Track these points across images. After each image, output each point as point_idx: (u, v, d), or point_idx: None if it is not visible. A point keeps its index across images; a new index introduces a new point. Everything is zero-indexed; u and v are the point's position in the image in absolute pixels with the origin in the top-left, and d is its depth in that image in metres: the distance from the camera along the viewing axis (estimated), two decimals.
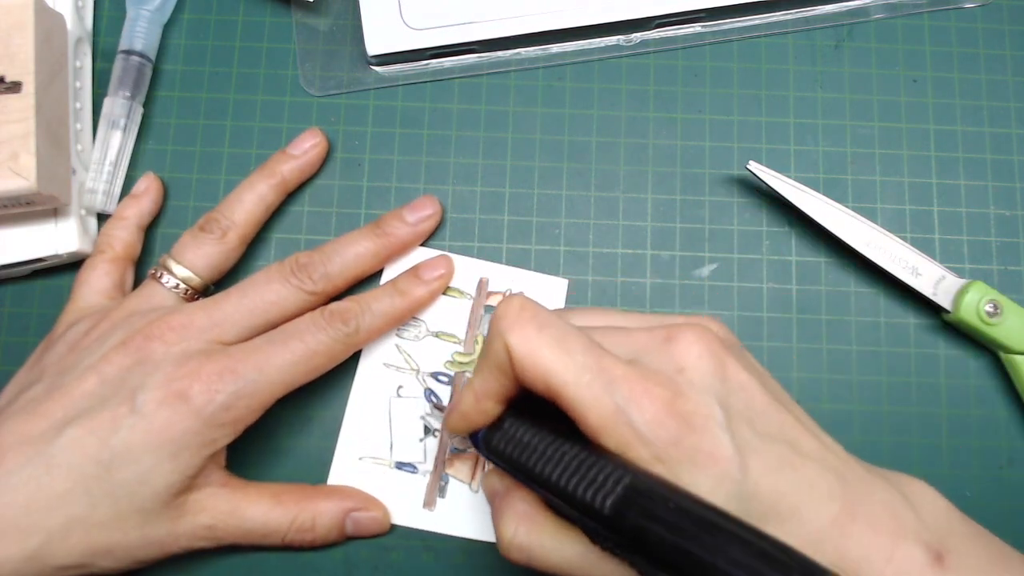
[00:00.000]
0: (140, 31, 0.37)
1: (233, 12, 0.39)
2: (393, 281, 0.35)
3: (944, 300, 0.35)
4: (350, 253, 0.34)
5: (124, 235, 0.35)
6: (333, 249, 0.34)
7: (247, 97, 0.38)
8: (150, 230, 0.37)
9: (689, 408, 0.23)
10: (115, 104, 0.36)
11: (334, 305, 0.32)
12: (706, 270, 0.37)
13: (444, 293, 0.36)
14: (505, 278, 0.36)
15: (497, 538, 0.26)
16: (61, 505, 0.28)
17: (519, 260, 0.37)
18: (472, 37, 0.38)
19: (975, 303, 0.35)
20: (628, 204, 0.38)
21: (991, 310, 0.35)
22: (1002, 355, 0.35)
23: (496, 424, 0.27)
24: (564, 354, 0.23)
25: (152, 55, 0.38)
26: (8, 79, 0.33)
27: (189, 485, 0.30)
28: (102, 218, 0.37)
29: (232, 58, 0.39)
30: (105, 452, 0.28)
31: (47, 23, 0.35)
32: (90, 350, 0.31)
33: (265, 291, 0.32)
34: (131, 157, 0.37)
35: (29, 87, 0.33)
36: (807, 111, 0.38)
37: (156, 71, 0.38)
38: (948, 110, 0.39)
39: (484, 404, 0.26)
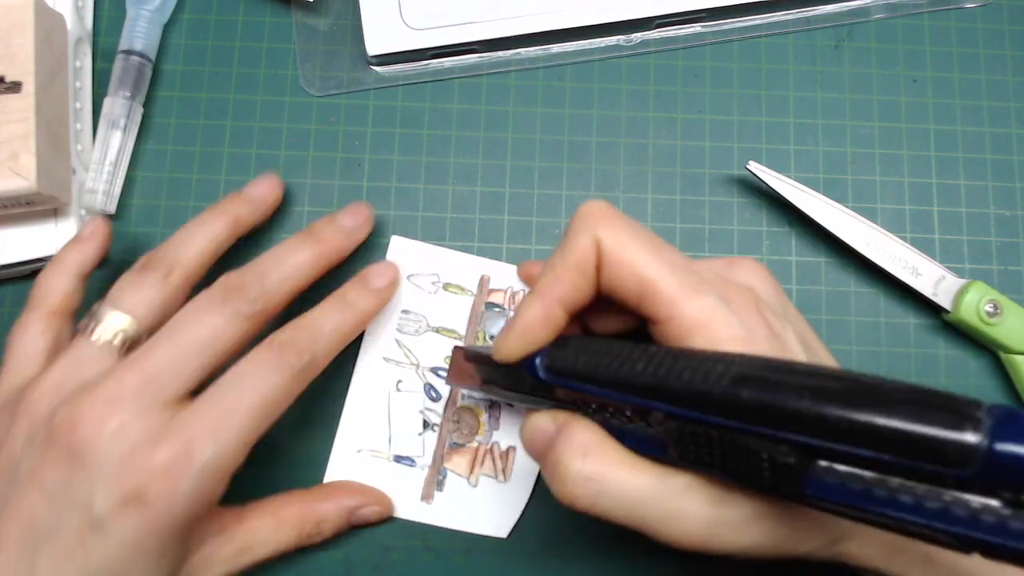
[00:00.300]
0: (140, 31, 0.37)
1: (233, 12, 0.39)
2: (340, 293, 0.31)
3: (944, 300, 0.35)
4: (287, 264, 0.30)
5: (63, 284, 0.31)
6: (268, 262, 0.30)
7: (247, 97, 0.38)
8: (146, 235, 0.37)
9: (772, 317, 0.24)
10: (115, 104, 0.36)
11: (281, 337, 0.28)
12: None
13: (445, 289, 0.36)
14: (506, 276, 0.36)
15: (557, 477, 0.23)
16: None
17: (519, 260, 0.37)
18: (472, 37, 0.38)
19: (975, 303, 0.35)
20: (628, 204, 0.38)
21: (991, 310, 0.35)
22: (1002, 355, 0.35)
23: (558, 342, 0.24)
24: (657, 254, 0.23)
25: (152, 55, 0.38)
26: (8, 79, 0.33)
27: (187, 555, 0.28)
28: None
29: (232, 58, 0.39)
30: (89, 569, 0.25)
31: (47, 23, 0.35)
32: (23, 450, 0.27)
33: (198, 328, 0.28)
34: (131, 157, 0.37)
35: (29, 87, 0.33)
36: (807, 111, 0.38)
37: (156, 71, 0.38)
38: (948, 110, 0.39)
39: (554, 312, 0.24)
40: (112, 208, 0.36)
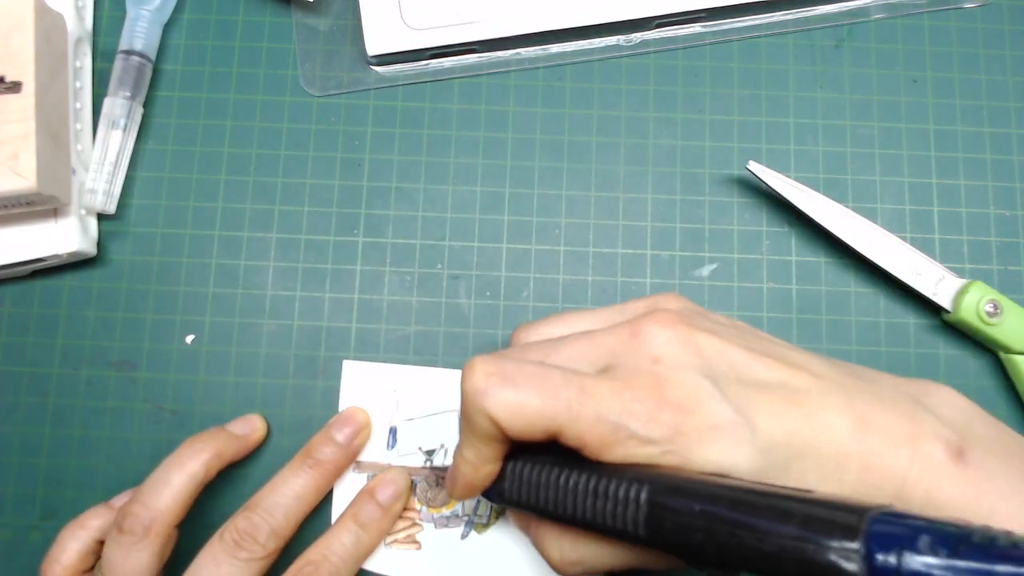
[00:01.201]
0: (140, 31, 0.37)
1: (233, 12, 0.39)
2: (352, 513, 0.32)
3: (944, 300, 0.35)
4: (289, 496, 0.31)
5: (76, 547, 0.32)
6: (271, 500, 0.31)
7: (247, 97, 0.38)
8: (151, 233, 0.37)
9: (678, 393, 0.23)
10: (115, 104, 0.36)
11: (300, 567, 0.30)
12: (706, 270, 0.37)
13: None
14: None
15: (547, 561, 0.26)
16: None
17: (519, 260, 0.37)
18: (472, 37, 0.38)
19: (975, 303, 0.35)
20: (628, 204, 0.38)
21: (991, 310, 0.35)
22: (1002, 355, 0.35)
23: (500, 476, 0.27)
24: (549, 397, 0.23)
25: (152, 55, 0.38)
26: (8, 79, 0.33)
27: None
28: (102, 218, 0.37)
29: (232, 58, 0.39)
30: None
31: (47, 23, 0.35)
32: None
33: None
34: (131, 157, 0.37)
35: (29, 87, 0.33)
36: (807, 111, 0.38)
37: (156, 71, 0.38)
38: (948, 110, 0.39)
39: (484, 470, 0.26)
40: (112, 208, 0.36)
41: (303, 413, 0.36)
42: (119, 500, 0.33)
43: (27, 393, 0.36)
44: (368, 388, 0.35)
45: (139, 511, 0.30)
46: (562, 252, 0.37)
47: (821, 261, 0.37)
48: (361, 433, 0.34)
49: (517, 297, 0.37)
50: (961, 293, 0.35)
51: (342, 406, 0.35)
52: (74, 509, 0.35)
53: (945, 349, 0.36)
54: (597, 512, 0.23)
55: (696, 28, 0.39)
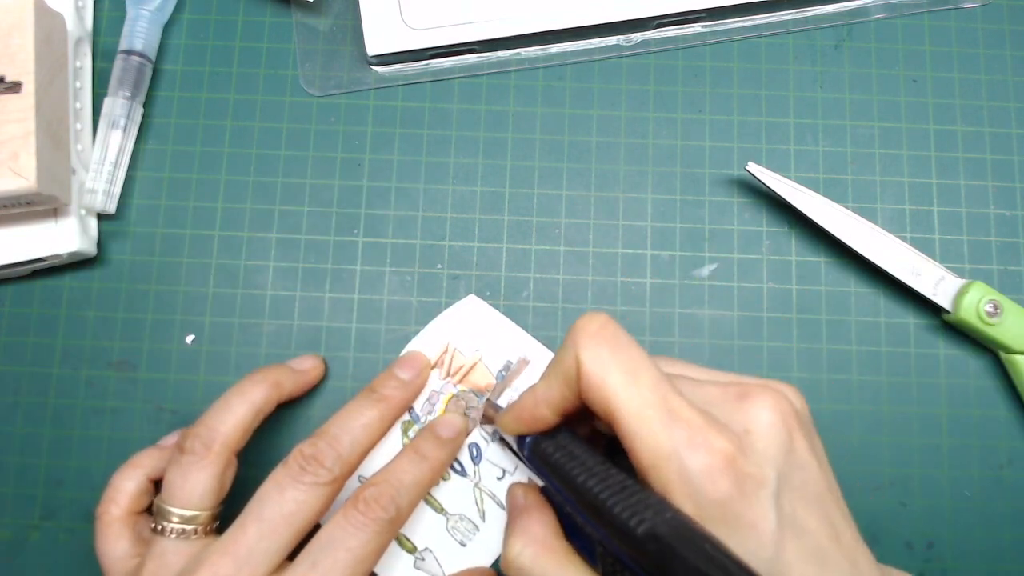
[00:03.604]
0: (140, 31, 0.37)
1: (233, 12, 0.39)
2: (413, 446, 0.32)
3: (944, 300, 0.35)
4: (356, 426, 0.32)
5: (130, 486, 0.32)
6: (338, 427, 0.31)
7: (247, 97, 0.38)
8: (151, 233, 0.37)
9: (747, 471, 0.22)
10: (115, 104, 0.36)
11: (366, 493, 0.30)
12: (706, 270, 0.37)
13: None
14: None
15: (503, 554, 0.26)
16: None
17: (519, 260, 0.37)
18: (472, 37, 0.38)
19: (975, 303, 0.35)
20: (628, 204, 0.38)
21: (991, 310, 0.35)
22: (1002, 355, 0.35)
23: (550, 433, 0.26)
24: (632, 383, 0.23)
25: (152, 55, 0.38)
26: (8, 79, 0.33)
27: None
28: (102, 218, 0.37)
29: (232, 58, 0.39)
30: None
31: (47, 23, 0.35)
32: None
33: (282, 504, 0.29)
34: (131, 157, 0.37)
35: (29, 87, 0.33)
36: (807, 111, 0.38)
37: (156, 71, 0.38)
38: (948, 110, 0.39)
39: (541, 411, 0.26)
40: (112, 208, 0.36)
41: (304, 413, 0.36)
42: (168, 440, 0.34)
43: (27, 393, 0.36)
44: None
45: (201, 432, 0.30)
46: (562, 252, 0.37)
47: (821, 261, 0.37)
48: (422, 374, 0.35)
49: (517, 297, 0.37)
50: (961, 293, 0.35)
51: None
52: (74, 509, 0.35)
53: (945, 349, 0.36)
54: (611, 499, 0.22)
55: (696, 28, 0.39)
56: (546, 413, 0.26)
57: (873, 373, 0.36)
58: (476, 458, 0.34)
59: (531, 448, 0.27)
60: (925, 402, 0.36)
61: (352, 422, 0.32)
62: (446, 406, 0.35)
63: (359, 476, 0.34)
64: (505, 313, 0.36)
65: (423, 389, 0.35)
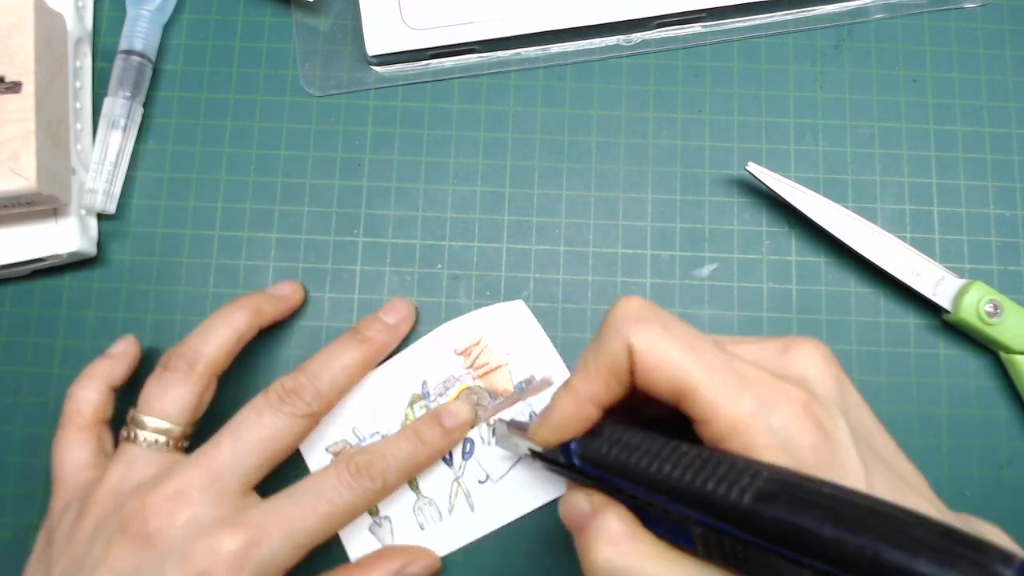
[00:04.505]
0: (140, 31, 0.37)
1: (233, 12, 0.39)
2: (414, 427, 0.33)
3: (944, 300, 0.35)
4: (336, 366, 0.33)
5: (93, 397, 0.32)
6: (319, 365, 0.32)
7: (247, 97, 0.38)
8: (151, 233, 0.37)
9: (823, 415, 0.22)
10: (115, 104, 0.36)
11: (359, 459, 0.31)
12: (706, 270, 0.37)
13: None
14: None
15: (587, 562, 0.23)
16: None
17: (519, 260, 0.37)
18: (472, 37, 0.38)
19: (975, 303, 0.35)
20: (628, 204, 0.38)
21: (991, 310, 0.35)
22: (1002, 355, 0.35)
23: (594, 431, 0.25)
24: (694, 354, 0.22)
25: (152, 55, 0.38)
26: (8, 79, 0.33)
27: None
28: (102, 218, 0.37)
29: (232, 58, 0.39)
30: None
31: (47, 23, 0.35)
32: (90, 543, 0.29)
33: (258, 427, 0.30)
34: (131, 157, 0.37)
35: (29, 87, 0.33)
36: (807, 111, 0.38)
37: (156, 71, 0.38)
38: (948, 110, 0.39)
39: (586, 410, 0.24)
40: (112, 208, 0.36)
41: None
42: (116, 349, 0.34)
43: (27, 393, 0.36)
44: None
45: (186, 352, 0.31)
46: (562, 252, 0.37)
47: (821, 261, 0.37)
48: (406, 320, 0.35)
49: (517, 297, 0.37)
50: (961, 293, 0.35)
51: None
52: None
53: (945, 349, 0.36)
54: (697, 478, 0.21)
55: (696, 28, 0.39)
56: (592, 411, 0.24)
57: (873, 373, 0.36)
58: (467, 454, 0.34)
59: (581, 455, 0.25)
60: (925, 402, 0.36)
61: (333, 362, 0.33)
62: (459, 394, 0.35)
63: (353, 428, 0.34)
64: None
65: (406, 335, 0.35)
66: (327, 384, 0.32)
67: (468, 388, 0.35)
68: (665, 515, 0.23)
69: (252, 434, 0.30)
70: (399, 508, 0.34)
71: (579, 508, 0.24)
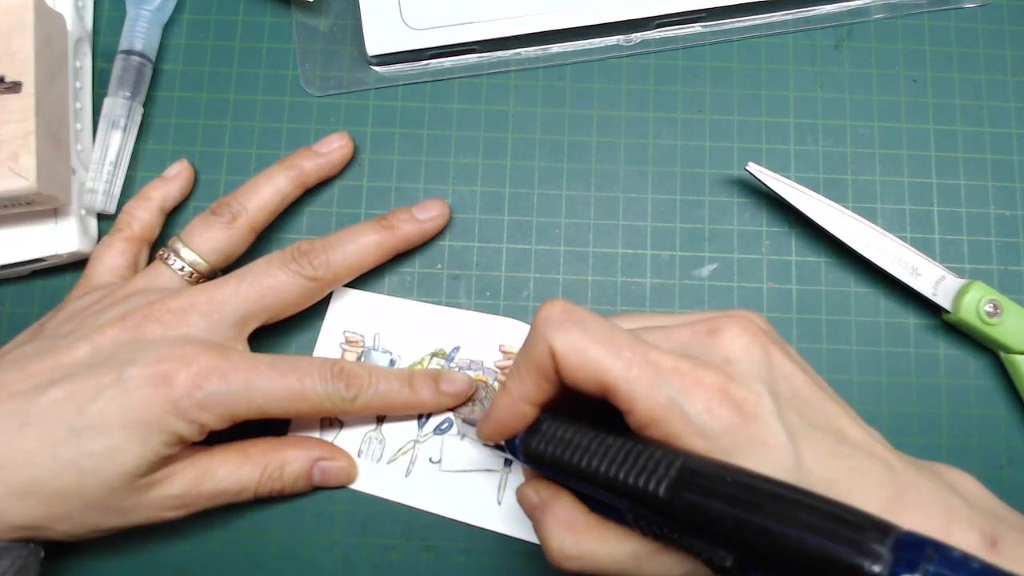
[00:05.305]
0: (140, 31, 0.37)
1: (233, 12, 0.39)
2: (411, 373, 0.34)
3: (944, 300, 0.35)
4: (353, 243, 0.34)
5: (145, 215, 0.35)
6: (337, 238, 0.34)
7: (247, 97, 0.38)
8: None
9: (741, 395, 0.23)
10: (115, 104, 0.36)
11: (347, 365, 0.32)
12: (706, 270, 0.37)
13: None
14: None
15: (545, 550, 0.26)
16: (25, 465, 0.28)
17: (519, 260, 0.37)
18: (472, 37, 0.38)
19: (975, 303, 0.35)
20: (628, 204, 0.38)
21: (991, 310, 0.35)
22: (1002, 355, 0.35)
23: (533, 427, 0.26)
24: (612, 351, 0.24)
25: (152, 55, 0.38)
26: (8, 79, 0.33)
27: (156, 466, 0.30)
28: (102, 218, 0.37)
29: (232, 58, 0.39)
30: (79, 420, 0.28)
31: (47, 23, 0.35)
32: (88, 321, 0.31)
33: (264, 276, 0.32)
34: (131, 157, 0.37)
35: (29, 87, 0.33)
36: (807, 111, 0.38)
37: (156, 71, 0.38)
38: (948, 110, 0.39)
39: (522, 408, 0.26)
40: (112, 208, 0.36)
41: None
42: (172, 171, 0.37)
43: None
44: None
45: (233, 203, 0.34)
46: (562, 252, 0.37)
47: (821, 261, 0.37)
48: (436, 220, 0.36)
49: (517, 297, 0.37)
50: (961, 293, 0.35)
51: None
52: None
53: (945, 349, 0.36)
54: (621, 471, 0.23)
55: (696, 28, 0.39)
56: (527, 409, 0.26)
57: (873, 373, 0.36)
58: (439, 430, 0.35)
59: (523, 452, 0.27)
60: (925, 402, 0.36)
61: (351, 239, 0.34)
62: (475, 380, 0.35)
63: (376, 335, 0.35)
64: (505, 313, 0.36)
65: (435, 234, 0.37)
66: (339, 256, 0.34)
67: (485, 381, 0.35)
68: (600, 503, 0.25)
69: (257, 280, 0.32)
70: (353, 427, 0.35)
71: (531, 499, 0.27)
